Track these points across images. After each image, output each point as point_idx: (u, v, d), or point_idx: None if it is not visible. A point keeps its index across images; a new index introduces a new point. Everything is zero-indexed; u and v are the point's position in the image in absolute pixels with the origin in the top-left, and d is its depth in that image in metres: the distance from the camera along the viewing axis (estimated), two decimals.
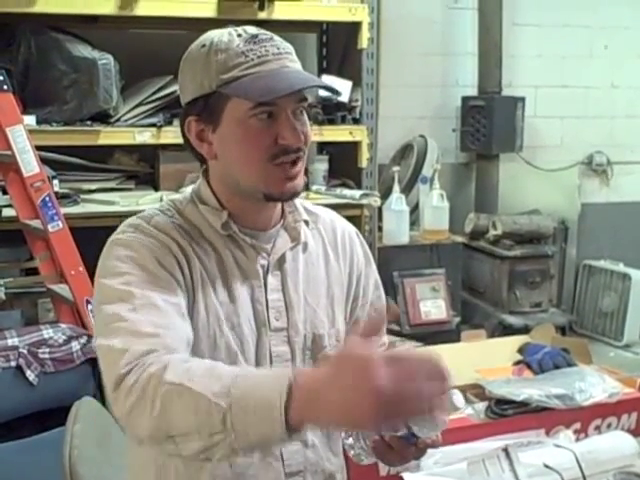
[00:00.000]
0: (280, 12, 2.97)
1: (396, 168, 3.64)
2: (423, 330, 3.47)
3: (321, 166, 3.31)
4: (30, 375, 2.20)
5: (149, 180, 3.25)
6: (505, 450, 1.97)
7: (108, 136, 2.86)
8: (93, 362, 2.30)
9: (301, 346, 1.27)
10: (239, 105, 1.16)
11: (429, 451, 1.15)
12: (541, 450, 2.10)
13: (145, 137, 2.90)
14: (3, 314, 2.72)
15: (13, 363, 2.19)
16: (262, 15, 2.93)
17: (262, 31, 1.21)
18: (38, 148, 2.54)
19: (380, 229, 3.52)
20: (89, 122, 2.85)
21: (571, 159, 4.34)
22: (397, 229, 3.56)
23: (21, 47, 2.84)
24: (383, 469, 2.18)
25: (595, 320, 4.37)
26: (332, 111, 3.13)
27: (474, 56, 4.01)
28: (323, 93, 3.03)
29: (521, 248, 3.80)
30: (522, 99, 4.00)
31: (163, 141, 2.93)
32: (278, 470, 1.25)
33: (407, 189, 3.77)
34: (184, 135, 1.25)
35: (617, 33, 4.32)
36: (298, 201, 1.32)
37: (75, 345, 2.29)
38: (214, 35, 1.20)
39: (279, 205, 1.29)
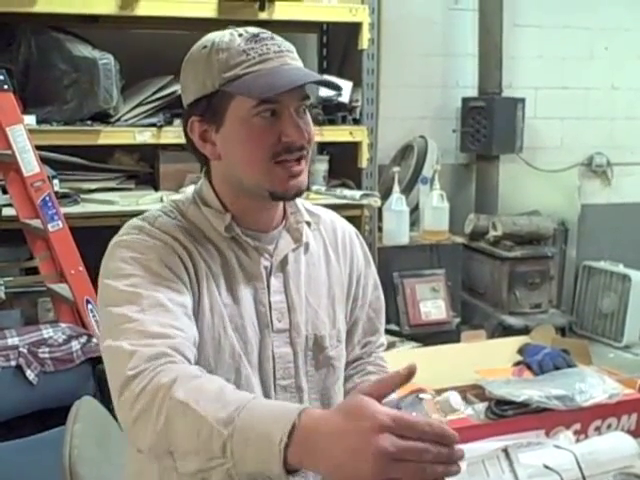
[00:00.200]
0: (281, 12, 2.98)
1: (396, 169, 3.65)
2: (423, 330, 3.48)
3: (321, 166, 3.31)
4: (30, 375, 2.19)
5: (149, 180, 3.25)
6: (505, 451, 1.98)
7: (108, 136, 2.87)
8: (93, 362, 2.30)
9: (303, 347, 1.27)
10: (242, 104, 1.16)
11: None
12: (541, 451, 2.09)
13: (145, 137, 2.90)
14: (3, 313, 2.72)
15: (13, 362, 2.19)
16: (263, 15, 2.93)
17: (263, 30, 1.21)
18: (38, 148, 2.54)
19: (380, 229, 3.52)
20: (89, 122, 2.85)
21: (571, 160, 4.34)
22: (397, 229, 3.56)
23: (21, 47, 2.85)
24: None
25: (595, 321, 4.37)
26: (332, 111, 3.13)
27: (474, 57, 4.01)
28: (324, 93, 3.03)
29: (521, 249, 3.80)
30: (522, 100, 4.00)
31: (163, 141, 2.94)
32: None
33: (407, 190, 3.77)
34: (187, 136, 1.24)
35: (617, 34, 4.33)
36: (299, 202, 1.32)
37: (75, 345, 2.29)
38: (215, 36, 1.20)
39: (281, 206, 1.29)
